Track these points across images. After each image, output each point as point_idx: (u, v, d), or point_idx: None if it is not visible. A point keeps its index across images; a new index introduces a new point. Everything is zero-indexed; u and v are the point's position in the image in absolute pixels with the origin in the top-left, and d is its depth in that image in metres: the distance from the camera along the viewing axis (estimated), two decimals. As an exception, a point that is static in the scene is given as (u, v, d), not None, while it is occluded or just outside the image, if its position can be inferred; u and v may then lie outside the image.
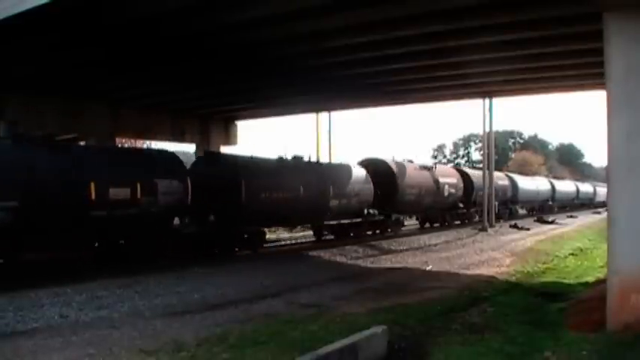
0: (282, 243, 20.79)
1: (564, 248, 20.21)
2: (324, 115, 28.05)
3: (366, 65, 17.10)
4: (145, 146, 30.02)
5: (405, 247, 19.14)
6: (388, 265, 15.85)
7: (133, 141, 29.62)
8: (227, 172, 15.43)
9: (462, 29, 13.45)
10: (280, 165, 17.97)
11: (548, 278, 13.72)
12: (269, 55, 15.52)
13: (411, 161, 24.86)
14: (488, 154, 26.98)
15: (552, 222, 31.68)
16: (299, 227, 23.53)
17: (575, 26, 12.84)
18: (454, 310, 9.62)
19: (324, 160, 24.96)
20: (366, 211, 20.96)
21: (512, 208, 35.10)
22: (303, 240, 21.32)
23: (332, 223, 19.79)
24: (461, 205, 28.25)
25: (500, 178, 32.30)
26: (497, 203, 29.39)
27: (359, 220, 20.80)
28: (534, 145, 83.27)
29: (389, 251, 18.29)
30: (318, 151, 27.96)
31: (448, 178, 26.80)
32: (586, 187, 55.75)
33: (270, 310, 9.67)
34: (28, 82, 17.52)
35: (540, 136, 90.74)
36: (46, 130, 20.37)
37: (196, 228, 15.47)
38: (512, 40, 14.35)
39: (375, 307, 9.65)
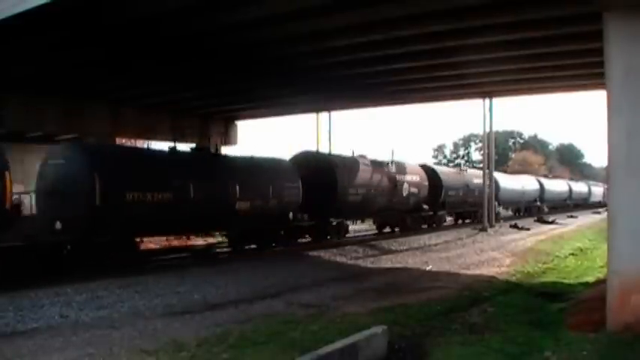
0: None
1: (564, 248, 20.20)
2: (324, 115, 28.04)
3: (366, 65, 17.10)
4: (144, 146, 29.95)
5: (405, 247, 19.15)
6: (388, 265, 15.85)
7: (133, 141, 29.59)
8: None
9: (462, 29, 13.45)
10: (163, 157, 15.46)
11: (549, 278, 13.71)
12: (269, 55, 15.53)
13: (362, 156, 21.79)
14: (488, 154, 26.97)
15: (552, 222, 31.68)
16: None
17: (576, 26, 12.84)
18: (454, 310, 9.62)
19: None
20: (291, 216, 18.23)
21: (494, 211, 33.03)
22: (303, 240, 21.33)
23: (244, 229, 16.80)
24: (426, 206, 25.31)
25: (478, 176, 29.59)
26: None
27: (281, 225, 17.94)
28: (534, 145, 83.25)
29: (389, 251, 18.30)
30: (317, 151, 27.91)
31: (409, 176, 23.73)
32: (580, 187, 53.14)
33: (270, 310, 9.67)
34: (28, 82, 17.53)
35: (540, 136, 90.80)
36: (46, 130, 20.54)
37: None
38: (512, 40, 14.35)
39: (375, 307, 9.65)
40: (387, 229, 24.44)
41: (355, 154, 21.47)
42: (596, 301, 8.09)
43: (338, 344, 6.32)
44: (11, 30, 12.08)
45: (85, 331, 8.15)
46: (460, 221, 29.94)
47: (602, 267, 13.08)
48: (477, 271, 14.67)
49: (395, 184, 22.43)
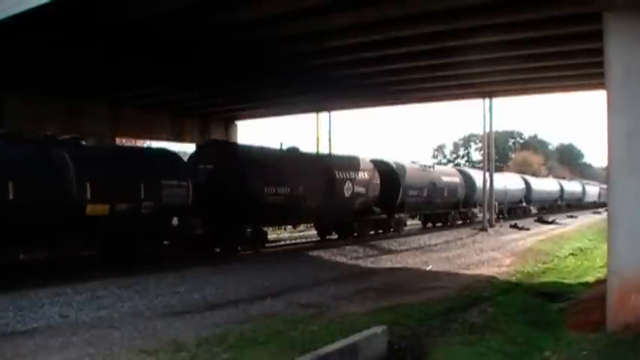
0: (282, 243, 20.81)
1: (564, 248, 20.20)
2: (324, 115, 28.05)
3: (366, 65, 17.11)
4: (145, 146, 29.99)
5: (405, 247, 19.14)
6: (388, 265, 15.85)
7: (133, 141, 29.59)
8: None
9: (462, 29, 13.46)
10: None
11: (549, 278, 13.72)
12: (268, 55, 15.53)
13: (294, 149, 18.47)
14: (488, 154, 26.97)
15: (552, 222, 31.67)
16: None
17: (576, 26, 12.85)
18: (454, 310, 9.62)
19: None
20: (176, 222, 14.61)
21: (468, 211, 29.09)
22: (304, 240, 21.33)
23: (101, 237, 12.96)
24: (377, 209, 21.44)
25: (447, 174, 27.36)
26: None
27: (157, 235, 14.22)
28: (534, 145, 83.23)
29: (389, 251, 18.29)
30: (318, 151, 27.94)
31: (355, 172, 19.84)
32: (573, 186, 49.60)
33: (270, 310, 9.67)
34: (28, 82, 17.53)
35: (540, 136, 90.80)
36: (46, 130, 20.47)
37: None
38: (512, 40, 14.36)
39: (375, 307, 9.66)
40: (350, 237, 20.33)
41: (284, 147, 18.24)
42: (596, 301, 8.09)
43: (338, 344, 6.33)
44: (11, 30, 12.07)
45: (85, 331, 8.15)
46: (430, 224, 26.86)
47: (602, 267, 13.07)
48: (477, 271, 14.67)
49: (333, 183, 18.65)
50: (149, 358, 6.81)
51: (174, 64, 16.47)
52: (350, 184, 19.43)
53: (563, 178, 52.26)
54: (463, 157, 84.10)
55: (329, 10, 12.24)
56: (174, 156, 15.65)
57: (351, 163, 20.24)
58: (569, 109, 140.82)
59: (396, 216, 22.76)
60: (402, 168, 22.94)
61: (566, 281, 13.00)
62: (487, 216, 25.91)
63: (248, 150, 16.97)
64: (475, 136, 77.37)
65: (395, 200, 22.13)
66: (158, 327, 8.41)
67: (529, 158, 70.45)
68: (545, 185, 42.23)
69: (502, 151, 70.64)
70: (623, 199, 7.42)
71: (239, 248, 16.10)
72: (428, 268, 15.30)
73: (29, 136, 12.84)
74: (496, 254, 18.17)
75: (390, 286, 12.30)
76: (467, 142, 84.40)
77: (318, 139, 28.11)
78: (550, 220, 32.45)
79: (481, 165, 32.79)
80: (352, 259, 16.68)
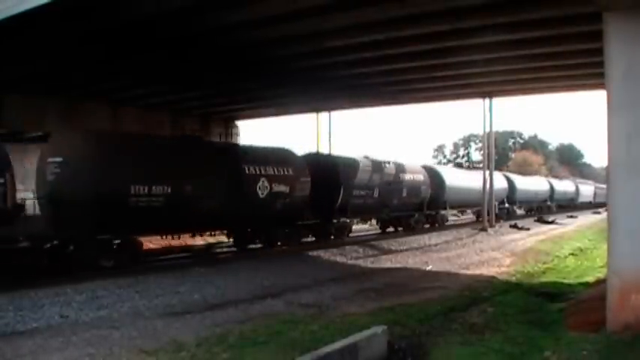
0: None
1: (564, 248, 20.21)
2: (324, 115, 28.03)
3: (366, 65, 17.11)
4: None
5: (405, 247, 19.14)
6: (388, 265, 15.86)
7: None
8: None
9: (462, 29, 13.45)
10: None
11: (549, 278, 13.72)
12: (269, 55, 15.53)
13: (192, 137, 15.98)
14: (488, 154, 26.98)
15: (552, 222, 31.69)
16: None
17: (576, 26, 12.85)
18: (454, 310, 9.62)
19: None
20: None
21: (436, 213, 26.23)
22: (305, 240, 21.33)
23: None
24: (308, 214, 18.51)
25: (408, 171, 23.70)
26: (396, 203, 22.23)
27: None
28: (534, 145, 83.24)
29: (389, 251, 18.29)
30: (317, 151, 27.93)
31: (272, 168, 16.47)
32: (564, 186, 46.20)
33: (270, 310, 9.67)
34: (28, 81, 17.53)
35: (540, 136, 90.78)
36: (46, 130, 20.53)
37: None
38: (512, 40, 14.36)
39: (375, 307, 9.66)
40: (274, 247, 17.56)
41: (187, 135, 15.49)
42: (596, 301, 8.09)
43: (338, 344, 6.33)
44: (11, 30, 12.08)
45: (85, 331, 8.15)
46: (392, 228, 24.13)
47: (602, 267, 13.08)
48: (477, 271, 14.68)
49: (240, 180, 15.32)
50: (149, 358, 6.81)
51: (174, 64, 16.47)
52: (266, 182, 16.00)
53: (556, 176, 50.46)
54: (463, 157, 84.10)
55: (329, 10, 12.24)
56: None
57: (268, 156, 16.79)
58: (569, 109, 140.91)
59: (336, 221, 19.50)
60: (345, 164, 19.94)
61: (566, 281, 13.00)
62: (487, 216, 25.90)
63: (110, 137, 13.72)
64: (475, 136, 77.38)
65: (334, 202, 18.69)
66: (158, 327, 8.41)
67: (529, 158, 70.47)
68: (532, 184, 38.71)
69: (502, 151, 70.64)
70: (623, 199, 7.41)
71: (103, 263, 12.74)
72: (428, 268, 15.30)
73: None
74: (496, 254, 18.18)
75: (390, 286, 12.30)
76: (467, 142, 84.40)
77: (318, 139, 28.11)
78: (550, 220, 32.47)
79: (481, 165, 32.73)
80: (352, 259, 16.68)
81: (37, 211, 13.07)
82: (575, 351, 6.63)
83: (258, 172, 16.03)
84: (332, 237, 19.68)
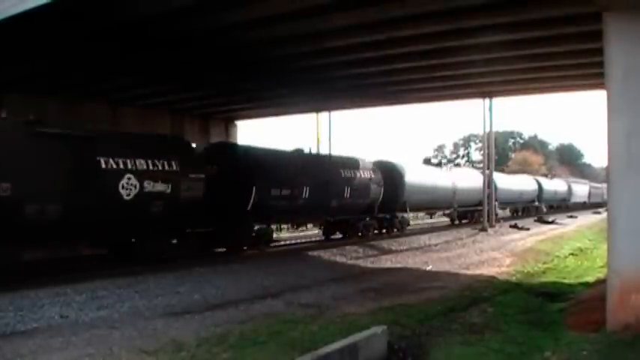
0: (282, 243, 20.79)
1: (564, 248, 20.21)
2: (324, 115, 28.04)
3: (367, 65, 17.10)
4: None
5: (405, 247, 19.14)
6: (388, 265, 15.86)
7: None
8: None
9: (462, 29, 13.46)
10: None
11: (549, 278, 13.72)
12: (268, 55, 15.53)
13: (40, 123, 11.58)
14: (488, 154, 26.97)
15: (552, 222, 31.72)
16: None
17: (576, 26, 12.85)
18: (454, 310, 9.62)
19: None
20: None
21: (392, 217, 22.36)
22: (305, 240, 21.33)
23: None
24: (203, 218, 14.56)
25: (359, 168, 20.34)
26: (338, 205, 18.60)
27: None
28: (534, 145, 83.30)
29: (389, 251, 18.29)
30: (318, 151, 27.95)
31: (142, 160, 12.79)
32: (555, 185, 43.12)
33: (270, 310, 9.67)
34: (28, 81, 17.53)
35: (540, 136, 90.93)
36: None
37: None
38: (512, 40, 14.36)
39: (375, 307, 9.66)
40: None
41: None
42: (596, 301, 8.10)
43: (338, 344, 6.33)
44: (11, 30, 12.08)
45: (85, 331, 8.14)
46: (340, 235, 20.70)
47: (602, 267, 13.08)
48: (477, 271, 14.67)
49: (92, 176, 11.85)
50: (149, 358, 6.81)
51: (173, 64, 16.47)
52: (134, 180, 12.42)
53: (545, 175, 47.21)
54: (463, 157, 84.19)
55: (329, 10, 12.25)
56: None
57: (139, 145, 13.30)
58: (569, 109, 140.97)
59: (249, 227, 16.29)
60: (261, 157, 16.22)
61: (566, 281, 13.00)
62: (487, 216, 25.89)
63: None
64: (475, 136, 77.42)
65: (244, 205, 15.09)
66: (158, 327, 8.41)
67: (529, 158, 70.54)
68: (516, 183, 35.10)
69: (502, 151, 70.69)
70: (623, 199, 7.42)
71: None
72: (428, 268, 15.30)
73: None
74: (496, 254, 18.17)
75: (390, 286, 12.30)
76: (467, 142, 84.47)
77: (318, 139, 28.10)
78: (550, 220, 32.49)
79: (481, 165, 32.71)
80: (352, 259, 16.68)
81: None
82: (575, 351, 6.63)
83: (121, 167, 12.32)
84: (245, 248, 16.15)
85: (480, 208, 27.84)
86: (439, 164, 27.43)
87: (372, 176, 20.94)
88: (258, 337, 7.60)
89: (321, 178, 18.11)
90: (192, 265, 13.35)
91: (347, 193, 19.22)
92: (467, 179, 28.87)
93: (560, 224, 31.30)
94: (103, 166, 12.10)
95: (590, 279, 12.70)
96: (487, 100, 24.72)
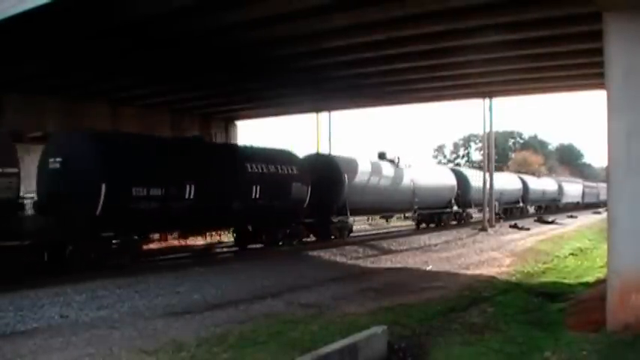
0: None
1: (564, 248, 20.21)
2: (324, 115, 28.04)
3: (367, 65, 17.11)
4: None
5: (405, 247, 19.13)
6: (388, 265, 15.85)
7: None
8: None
9: (462, 29, 13.46)
10: None
11: (549, 278, 13.71)
12: (268, 55, 15.53)
13: None
14: (488, 154, 26.96)
15: (552, 222, 31.71)
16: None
17: (576, 26, 12.86)
18: (454, 310, 9.61)
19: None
20: None
21: (328, 222, 19.00)
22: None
23: None
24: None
25: (287, 163, 17.11)
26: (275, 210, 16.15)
27: None
28: (534, 145, 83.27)
29: (389, 251, 18.29)
30: (318, 151, 27.95)
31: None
32: (543, 184, 39.76)
33: (270, 310, 9.66)
34: (28, 81, 17.54)
35: (540, 136, 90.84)
36: (46, 130, 20.57)
37: None
38: (512, 40, 14.36)
39: (375, 307, 9.65)
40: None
41: None
42: (596, 301, 8.09)
43: (338, 344, 6.33)
44: (11, 30, 12.08)
45: (85, 331, 8.14)
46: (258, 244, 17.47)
47: (602, 267, 13.08)
48: (477, 271, 14.67)
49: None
50: (149, 358, 6.81)
51: (173, 64, 16.49)
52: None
53: (533, 174, 44.39)
54: (463, 157, 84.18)
55: (329, 10, 12.26)
56: None
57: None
58: (569, 109, 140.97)
59: (124, 239, 12.97)
60: (115, 145, 12.71)
61: (566, 281, 13.00)
62: (487, 216, 25.88)
63: None
64: (475, 136, 77.39)
65: (89, 210, 11.65)
66: (158, 327, 8.41)
67: (529, 158, 70.51)
68: (495, 182, 29.88)
69: (502, 151, 70.63)
70: (623, 199, 7.42)
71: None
72: (428, 268, 15.29)
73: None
74: (496, 254, 18.17)
75: (390, 286, 12.29)
76: (467, 142, 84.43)
77: (318, 139, 28.09)
78: (550, 220, 32.48)
79: (481, 165, 32.65)
80: (352, 259, 16.67)
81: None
82: (575, 351, 6.63)
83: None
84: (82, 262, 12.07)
85: (448, 210, 25.63)
86: (395, 160, 23.22)
87: (296, 172, 17.03)
88: (258, 337, 7.60)
89: (215, 174, 14.39)
90: (192, 265, 13.35)
91: (256, 192, 15.40)
92: (431, 177, 25.05)
93: (560, 224, 31.30)
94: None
95: (590, 279, 12.69)
96: (487, 100, 24.71)
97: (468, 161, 79.31)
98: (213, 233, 19.08)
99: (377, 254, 17.68)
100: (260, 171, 15.93)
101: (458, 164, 74.13)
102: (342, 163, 19.70)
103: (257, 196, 15.54)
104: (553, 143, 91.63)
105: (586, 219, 36.72)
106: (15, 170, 11.54)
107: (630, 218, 7.28)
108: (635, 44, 7.27)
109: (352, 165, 20.15)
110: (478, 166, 46.86)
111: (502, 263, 16.32)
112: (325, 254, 16.84)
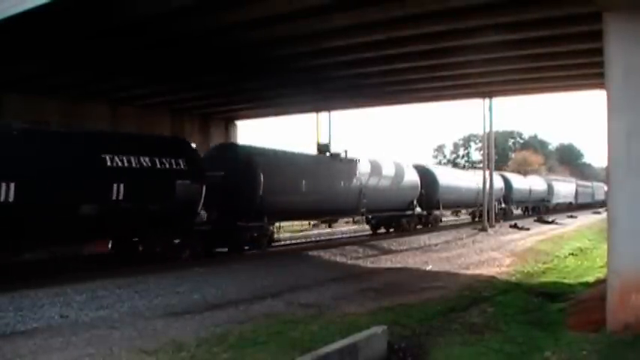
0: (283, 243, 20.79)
1: (564, 248, 20.21)
2: (324, 115, 28.00)
3: (367, 65, 17.10)
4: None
5: (405, 247, 19.12)
6: (388, 265, 15.85)
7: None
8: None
9: (462, 29, 13.45)
10: None
11: (549, 278, 13.72)
12: (268, 55, 15.52)
13: None
14: (488, 154, 26.95)
15: (552, 222, 31.72)
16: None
17: (576, 26, 12.85)
18: (454, 310, 9.62)
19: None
20: None
21: (254, 229, 15.81)
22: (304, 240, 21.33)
23: None
24: None
25: (165, 152, 13.74)
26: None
27: None
28: (534, 145, 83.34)
29: (389, 251, 18.28)
30: (317, 151, 27.93)
31: None
32: (528, 183, 36.53)
33: (270, 310, 9.66)
34: (28, 81, 17.54)
35: (540, 136, 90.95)
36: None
37: None
38: (512, 40, 14.35)
39: (375, 307, 9.65)
40: None
41: None
42: (596, 301, 8.09)
43: (338, 344, 6.33)
44: (11, 30, 12.08)
45: (85, 331, 8.14)
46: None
47: (602, 267, 13.08)
48: (477, 271, 14.67)
49: None
50: (149, 358, 6.81)
51: (173, 64, 16.48)
52: None
53: (519, 172, 41.54)
54: (463, 157, 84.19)
55: (329, 10, 12.25)
56: None
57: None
58: (569, 109, 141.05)
59: None
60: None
61: (566, 281, 13.00)
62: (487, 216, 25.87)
63: None
64: (475, 136, 77.39)
65: None
66: (158, 327, 8.41)
67: (529, 158, 70.57)
68: (470, 180, 28.61)
69: (502, 151, 70.66)
70: (623, 199, 7.42)
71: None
72: (428, 268, 15.29)
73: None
74: (496, 254, 18.17)
75: (390, 286, 12.29)
76: (467, 142, 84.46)
77: (318, 139, 28.04)
78: (550, 220, 32.49)
79: (481, 165, 32.62)
80: (352, 259, 16.67)
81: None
82: (575, 351, 6.63)
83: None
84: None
85: (408, 213, 22.56)
86: (342, 155, 20.04)
87: (183, 167, 13.94)
88: (258, 337, 7.60)
89: (50, 168, 11.36)
90: (192, 265, 13.35)
91: (118, 192, 12.32)
92: (385, 175, 21.73)
93: (560, 224, 31.31)
94: None
95: (590, 279, 12.69)
96: (487, 100, 24.70)
97: (467, 161, 79.35)
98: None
99: (377, 254, 17.67)
100: (125, 165, 12.55)
101: (458, 164, 74.21)
102: (257, 156, 16.04)
103: (119, 197, 12.19)
104: (553, 143, 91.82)
105: (586, 219, 36.72)
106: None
107: (630, 218, 7.28)
108: (634, 44, 7.27)
109: (270, 159, 16.70)
110: (473, 166, 46.81)
111: (502, 263, 16.32)
112: (325, 254, 16.85)
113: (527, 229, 26.70)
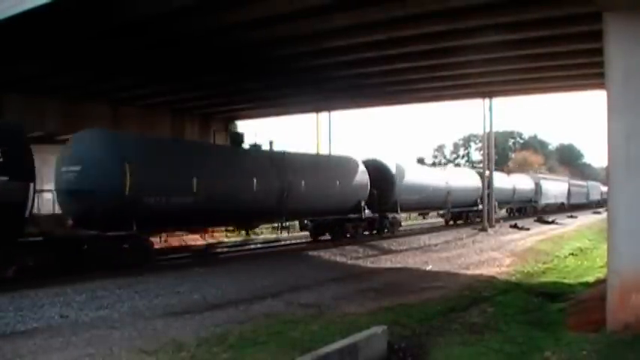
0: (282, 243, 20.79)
1: (564, 248, 20.22)
2: (324, 115, 28.04)
3: (367, 65, 17.10)
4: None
5: (405, 247, 19.12)
6: (388, 265, 15.85)
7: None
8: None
9: (462, 29, 13.46)
10: None
11: (549, 278, 13.73)
12: (269, 55, 15.53)
13: None
14: (488, 154, 26.94)
15: (552, 222, 31.71)
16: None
17: (576, 26, 12.86)
18: (454, 310, 9.62)
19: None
20: None
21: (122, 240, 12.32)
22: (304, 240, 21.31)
23: None
24: None
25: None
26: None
27: None
28: (534, 145, 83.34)
29: (389, 251, 18.28)
30: (318, 151, 27.95)
31: None
32: (512, 183, 33.24)
33: (270, 310, 9.66)
34: (28, 81, 17.55)
35: (540, 136, 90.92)
36: (47, 130, 20.62)
37: None
38: (512, 40, 14.36)
39: (375, 307, 9.66)
40: None
41: None
42: (596, 301, 8.10)
43: (338, 344, 6.33)
44: (11, 30, 12.08)
45: (85, 331, 8.14)
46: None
47: (602, 267, 13.09)
48: (477, 271, 14.67)
49: None
50: (149, 358, 6.81)
51: (174, 64, 16.49)
52: None
53: (502, 171, 38.24)
54: (463, 157, 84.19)
55: (329, 10, 12.26)
56: None
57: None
58: (569, 109, 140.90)
59: None
60: None
61: (566, 281, 13.01)
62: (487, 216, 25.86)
63: None
64: (475, 136, 77.35)
65: None
66: (158, 327, 8.41)
67: (529, 158, 70.59)
68: (442, 179, 25.51)
69: (502, 151, 70.65)
70: (623, 199, 7.42)
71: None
72: (428, 268, 15.29)
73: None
74: (496, 254, 18.17)
75: (390, 286, 12.29)
76: (467, 142, 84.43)
77: (318, 139, 28.09)
78: (550, 220, 32.48)
79: (481, 165, 32.61)
80: (352, 259, 16.67)
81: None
82: (575, 351, 6.63)
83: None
84: None
85: (355, 216, 19.53)
86: (254, 144, 17.48)
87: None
88: (258, 337, 7.60)
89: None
90: (192, 265, 13.35)
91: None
92: (322, 171, 18.50)
93: (560, 224, 31.31)
94: None
95: (590, 279, 12.70)
96: (487, 100, 24.71)
97: (467, 161, 79.33)
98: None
99: (377, 254, 17.67)
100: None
101: (457, 164, 74.16)
102: (123, 144, 12.82)
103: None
104: (553, 143, 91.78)
105: (586, 219, 36.72)
106: None
107: (630, 218, 7.29)
108: (635, 44, 7.27)
109: (143, 147, 13.31)
110: (473, 165, 46.75)
111: (502, 263, 16.33)
112: (325, 254, 16.85)
113: (528, 229, 26.70)
